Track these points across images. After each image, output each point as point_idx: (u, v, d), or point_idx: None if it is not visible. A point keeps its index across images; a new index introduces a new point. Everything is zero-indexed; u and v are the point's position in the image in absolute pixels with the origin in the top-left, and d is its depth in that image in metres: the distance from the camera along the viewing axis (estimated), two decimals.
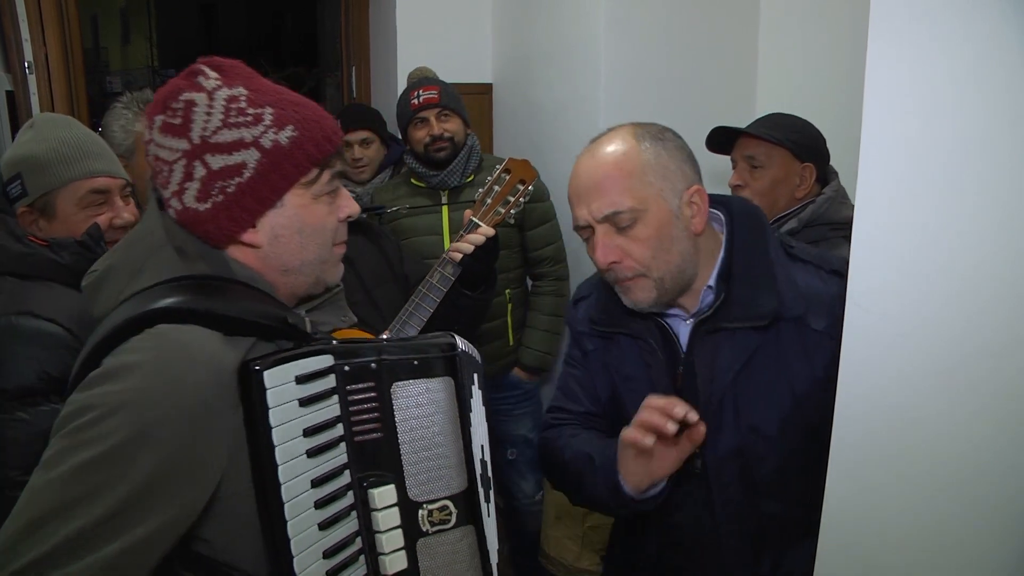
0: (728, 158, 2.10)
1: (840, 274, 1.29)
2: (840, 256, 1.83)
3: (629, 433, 1.21)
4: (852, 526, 1.04)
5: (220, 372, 0.93)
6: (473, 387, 1.14)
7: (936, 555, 0.95)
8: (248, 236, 1.03)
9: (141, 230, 1.06)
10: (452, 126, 2.46)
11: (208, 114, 0.99)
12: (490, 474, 1.16)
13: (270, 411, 0.93)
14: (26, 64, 2.90)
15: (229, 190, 1.00)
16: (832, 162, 2.06)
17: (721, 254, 1.33)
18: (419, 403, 1.05)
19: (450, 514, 1.06)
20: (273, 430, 0.94)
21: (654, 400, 1.19)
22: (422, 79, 2.64)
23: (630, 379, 1.41)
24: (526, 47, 3.07)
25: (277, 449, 0.94)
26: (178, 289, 0.97)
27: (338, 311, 1.19)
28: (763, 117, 2.07)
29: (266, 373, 0.94)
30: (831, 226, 1.91)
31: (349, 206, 1.11)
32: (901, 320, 0.94)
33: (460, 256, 1.77)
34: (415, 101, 2.46)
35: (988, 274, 0.85)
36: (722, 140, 2.06)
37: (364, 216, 1.92)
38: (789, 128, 1.98)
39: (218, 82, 1.01)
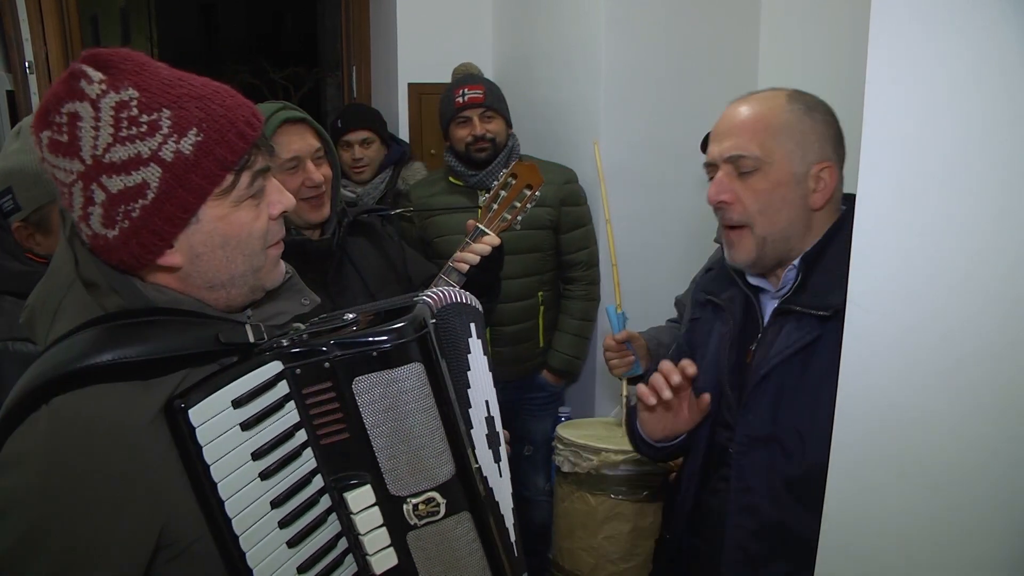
0: (702, 171, 2.12)
1: None
2: None
3: (640, 388, 1.35)
4: (852, 525, 1.04)
5: (127, 435, 0.84)
6: (471, 340, 1.06)
7: (936, 555, 0.95)
8: (165, 259, 0.92)
9: (55, 263, 0.96)
10: (495, 127, 2.46)
11: (96, 128, 0.86)
12: (498, 428, 1.09)
13: (203, 449, 0.86)
14: (27, 64, 2.90)
15: (134, 215, 0.88)
16: None
17: (818, 238, 1.34)
18: (386, 395, 0.95)
19: (438, 505, 0.99)
20: (211, 467, 0.87)
21: (663, 364, 1.30)
22: (467, 76, 2.63)
23: (703, 346, 1.45)
24: (526, 47, 3.07)
25: (219, 485, 0.88)
26: (91, 339, 0.87)
27: (295, 295, 1.08)
28: None
29: (192, 410, 0.86)
30: None
31: (281, 200, 0.99)
32: (901, 320, 0.94)
33: (466, 267, 1.75)
34: (459, 100, 2.45)
35: (988, 274, 0.85)
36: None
37: (366, 217, 1.90)
38: None
39: (103, 86, 0.87)
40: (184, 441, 0.86)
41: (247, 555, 0.90)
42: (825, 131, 1.33)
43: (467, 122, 2.45)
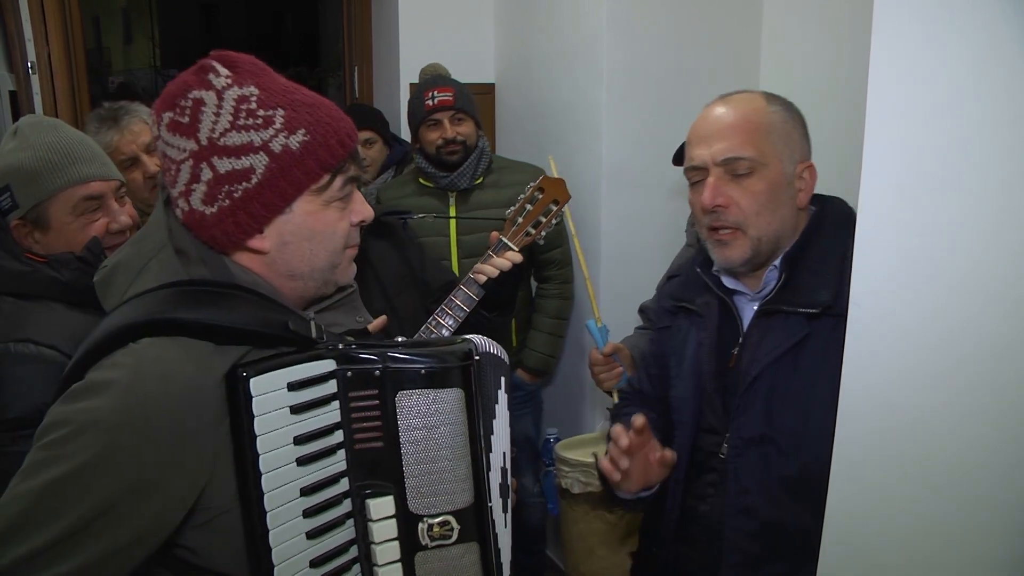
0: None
1: None
2: None
3: (604, 465, 1.36)
4: (854, 525, 1.04)
5: (200, 389, 0.91)
6: (499, 392, 1.11)
7: (937, 554, 0.95)
8: (255, 242, 1.00)
9: (148, 228, 1.04)
10: (465, 129, 2.45)
11: (217, 115, 0.96)
12: (509, 481, 1.13)
13: (255, 419, 0.91)
14: (29, 64, 2.91)
15: (236, 195, 0.97)
16: (834, 163, 2.06)
17: (796, 238, 1.35)
18: (424, 414, 1.00)
19: (451, 529, 1.02)
20: (258, 439, 0.91)
21: (613, 430, 1.32)
22: (436, 78, 2.62)
23: (680, 354, 1.44)
24: (528, 47, 3.07)
25: (261, 458, 0.92)
26: (172, 296, 0.94)
27: (352, 311, 1.16)
28: None
29: (253, 380, 0.91)
30: None
31: (363, 211, 1.08)
32: (902, 320, 0.94)
33: (485, 279, 1.74)
34: (429, 102, 2.44)
35: (988, 275, 0.85)
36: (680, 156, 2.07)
37: (388, 219, 1.89)
38: None
39: (229, 80, 0.97)
40: (239, 407, 0.91)
41: (270, 533, 0.93)
42: (802, 128, 1.35)
43: (437, 125, 2.44)
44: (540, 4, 2.93)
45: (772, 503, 1.30)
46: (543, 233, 1.81)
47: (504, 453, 1.12)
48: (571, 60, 2.73)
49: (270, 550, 0.93)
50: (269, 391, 0.93)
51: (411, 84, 3.31)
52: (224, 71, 0.98)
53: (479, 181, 2.50)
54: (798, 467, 1.28)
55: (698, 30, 2.60)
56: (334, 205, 1.03)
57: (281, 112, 0.97)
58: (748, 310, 1.38)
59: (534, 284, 2.74)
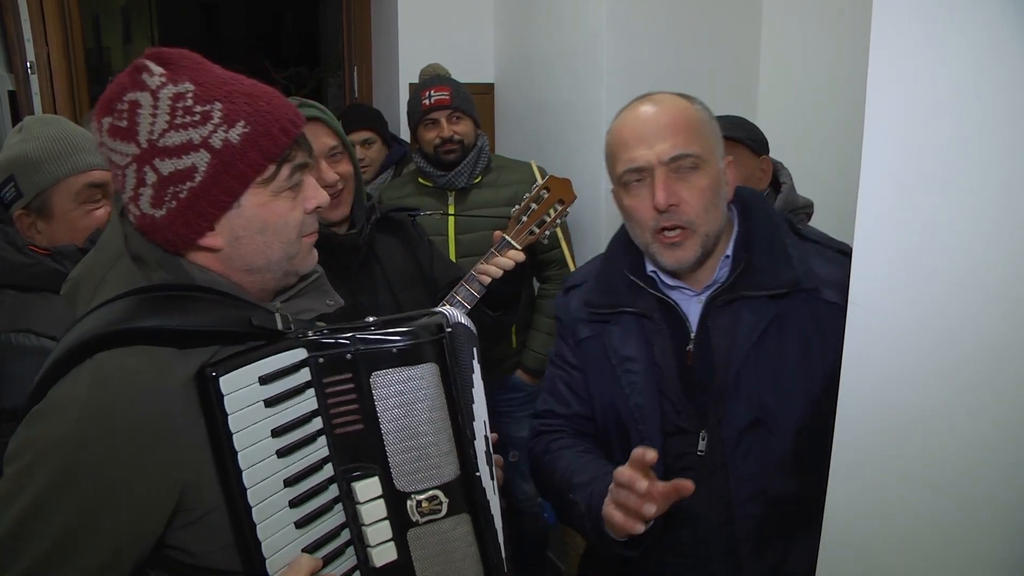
0: None
1: (845, 253, 1.32)
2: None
3: (621, 521, 1.18)
4: (854, 525, 1.04)
5: (163, 395, 0.90)
6: (473, 362, 1.10)
7: (937, 554, 0.95)
8: (207, 240, 0.99)
9: (105, 238, 1.03)
10: (463, 128, 2.45)
11: (153, 115, 0.94)
12: (491, 450, 1.13)
13: (229, 417, 0.91)
14: (28, 64, 2.91)
15: (182, 195, 0.95)
16: (834, 161, 2.08)
17: (736, 227, 1.36)
18: (401, 392, 1.00)
19: (440, 504, 1.03)
20: (234, 436, 0.91)
21: (622, 476, 1.17)
22: (434, 77, 2.62)
23: (629, 360, 1.38)
24: (528, 47, 3.07)
25: (240, 455, 0.92)
26: (132, 305, 0.94)
27: (321, 295, 1.14)
28: None
29: (222, 379, 0.91)
30: (793, 212, 2.00)
31: (316, 196, 1.06)
32: (902, 320, 0.94)
33: (488, 279, 1.74)
34: (426, 101, 2.44)
35: (988, 275, 0.85)
36: None
37: (397, 215, 1.89)
38: (739, 126, 2.02)
39: (163, 79, 0.95)
40: (212, 408, 0.91)
41: (258, 527, 0.94)
42: (717, 129, 1.36)
43: (435, 124, 2.44)
44: (540, 4, 2.93)
45: (775, 482, 1.30)
46: (547, 232, 1.81)
47: (484, 421, 1.11)
48: (571, 60, 2.73)
49: (260, 543, 0.94)
50: (240, 388, 0.92)
51: (411, 84, 3.31)
52: (158, 70, 0.96)
53: (477, 180, 2.50)
54: (790, 442, 1.29)
55: (698, 30, 2.60)
56: (284, 195, 1.01)
57: (219, 106, 0.95)
58: (693, 306, 1.36)
59: (535, 284, 2.74)
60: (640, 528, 1.17)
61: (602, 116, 2.57)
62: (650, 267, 1.39)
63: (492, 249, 1.78)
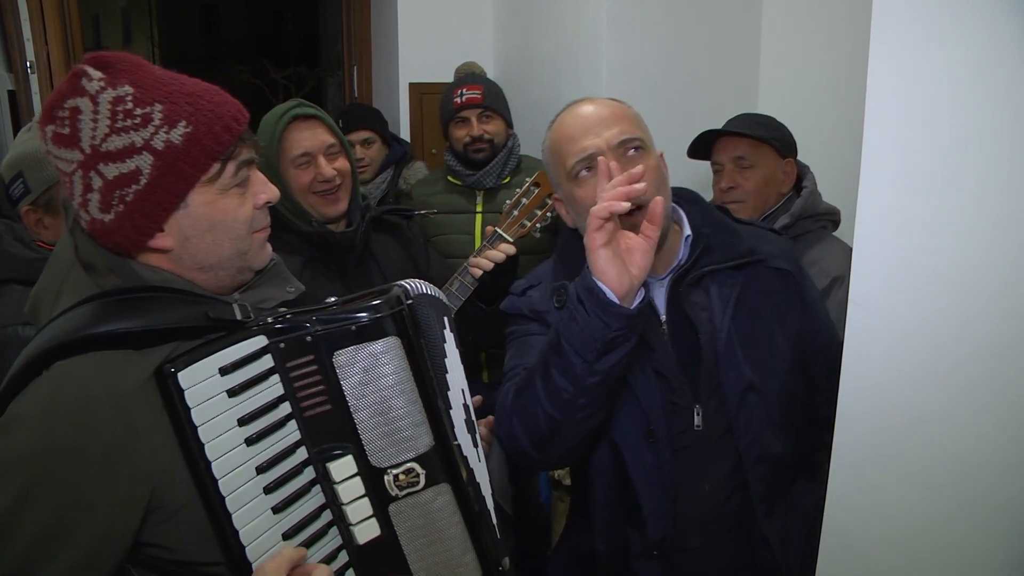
0: (699, 170, 2.10)
1: (775, 231, 1.56)
2: (831, 244, 1.91)
3: (599, 209, 1.15)
4: (854, 524, 1.04)
5: (122, 397, 0.91)
6: (445, 331, 1.10)
7: (937, 554, 0.95)
8: (157, 241, 0.99)
9: (57, 250, 1.04)
10: (493, 127, 2.44)
11: (94, 121, 0.94)
12: (473, 417, 1.13)
13: (192, 411, 0.92)
14: (28, 64, 2.91)
15: (128, 199, 0.96)
16: (834, 161, 2.07)
17: (686, 213, 1.41)
18: (365, 368, 1.00)
19: (418, 476, 1.03)
20: (199, 428, 0.92)
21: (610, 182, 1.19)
22: (468, 76, 2.61)
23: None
24: (528, 47, 3.07)
25: (207, 446, 0.92)
26: (86, 313, 0.94)
27: (281, 283, 1.14)
28: (737, 117, 2.07)
29: (181, 374, 0.91)
30: (814, 218, 1.96)
31: (265, 192, 1.06)
32: (902, 320, 0.94)
33: (480, 272, 1.76)
34: (458, 100, 2.44)
35: (988, 275, 0.85)
36: (700, 149, 2.07)
37: (392, 217, 1.91)
38: (767, 126, 2.00)
39: (102, 83, 0.96)
40: (174, 403, 0.91)
41: (233, 516, 0.94)
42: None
43: (465, 122, 2.44)
44: (539, 4, 2.93)
45: (771, 442, 1.34)
46: (538, 226, 1.82)
47: (463, 390, 1.11)
48: (571, 59, 2.73)
49: (237, 532, 0.94)
50: (201, 381, 0.93)
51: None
52: (97, 74, 0.96)
53: (506, 180, 2.50)
54: (777, 403, 1.35)
55: (698, 29, 2.59)
56: (232, 192, 1.02)
57: (159, 107, 0.95)
58: (656, 290, 1.38)
59: None
60: (625, 206, 1.14)
61: None
62: None
63: (484, 243, 1.80)
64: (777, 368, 1.36)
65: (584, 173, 1.33)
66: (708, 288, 1.37)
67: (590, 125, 1.34)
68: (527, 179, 1.85)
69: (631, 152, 1.32)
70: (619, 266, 1.18)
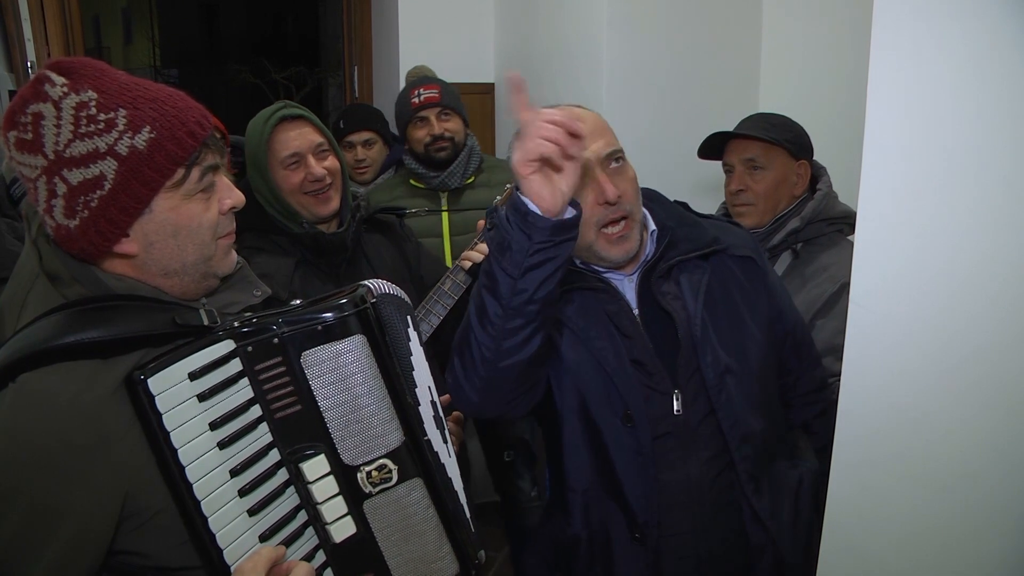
0: (707, 170, 2.09)
1: (736, 224, 1.63)
2: (844, 248, 1.87)
3: (531, 151, 1.13)
4: (854, 524, 1.04)
5: (88, 406, 0.91)
6: (408, 330, 1.11)
7: (938, 554, 0.95)
8: (121, 247, 0.99)
9: (21, 262, 1.04)
10: (453, 126, 2.45)
11: (57, 126, 0.94)
12: (442, 414, 1.15)
13: (163, 416, 0.92)
14: (29, 63, 2.91)
15: (92, 204, 0.95)
16: (834, 161, 2.06)
17: (649, 211, 1.46)
18: (333, 367, 1.01)
19: (390, 471, 1.04)
20: (171, 434, 0.92)
21: (548, 114, 1.15)
22: (422, 78, 2.62)
23: (592, 327, 1.40)
24: (528, 46, 3.07)
25: (180, 451, 0.93)
26: (51, 324, 0.94)
27: (247, 287, 1.15)
28: (750, 117, 2.05)
29: (150, 380, 0.91)
30: (827, 221, 1.92)
31: (231, 197, 1.06)
32: (903, 320, 0.94)
33: (470, 264, 1.76)
34: (415, 100, 2.44)
35: (989, 275, 0.85)
36: (711, 149, 2.06)
37: (383, 216, 1.90)
38: (781, 127, 1.98)
39: (65, 88, 0.95)
40: (144, 410, 0.91)
41: (209, 520, 0.95)
42: None
43: (425, 122, 2.44)
44: (540, 3, 2.94)
45: (751, 422, 1.38)
46: None
47: (429, 387, 1.12)
48: (572, 59, 2.73)
49: (214, 536, 0.95)
50: (170, 386, 0.93)
51: None
52: (59, 80, 0.96)
53: (470, 180, 2.50)
54: (752, 383, 1.39)
55: (698, 28, 2.60)
56: (196, 197, 1.01)
57: (123, 112, 0.95)
58: (626, 286, 1.43)
59: None
60: (551, 148, 1.12)
61: (602, 115, 2.57)
62: (579, 262, 1.43)
63: (476, 239, 1.79)
64: (751, 350, 1.41)
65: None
66: (678, 279, 1.41)
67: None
68: (496, 167, 1.85)
69: (613, 164, 1.37)
70: (550, 187, 1.15)
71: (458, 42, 3.28)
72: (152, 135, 0.96)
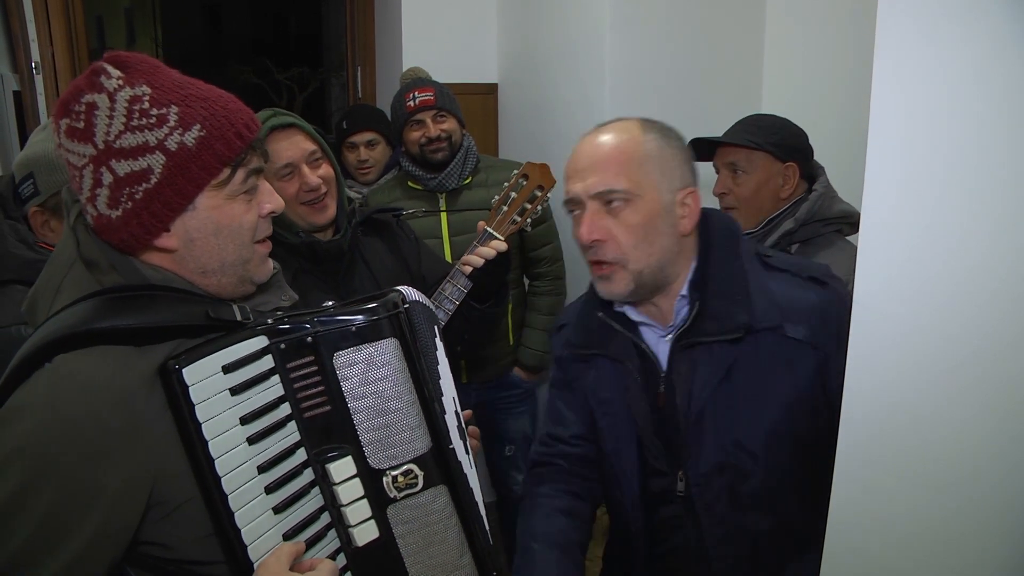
0: (710, 166, 2.09)
1: (818, 281, 1.31)
2: (841, 249, 1.86)
3: None
4: (858, 525, 1.04)
5: (123, 391, 0.92)
6: (436, 339, 1.11)
7: (942, 555, 0.95)
8: (162, 241, 1.00)
9: (58, 247, 1.05)
10: (449, 127, 2.45)
11: (110, 117, 0.96)
12: (463, 424, 1.15)
13: (196, 407, 0.92)
14: (33, 64, 2.91)
15: (137, 196, 0.97)
16: (837, 161, 2.06)
17: (694, 263, 1.33)
18: (365, 369, 1.01)
19: (416, 477, 1.03)
20: (203, 425, 0.93)
21: None
22: (416, 80, 2.63)
23: (606, 403, 1.39)
24: (531, 47, 3.07)
25: (210, 443, 0.93)
26: (88, 308, 0.95)
27: (277, 291, 1.16)
28: (741, 121, 2.05)
29: (185, 370, 0.92)
30: (824, 222, 1.91)
31: (271, 202, 1.08)
32: (907, 320, 0.94)
33: (471, 269, 1.75)
34: (411, 103, 2.45)
35: (993, 275, 0.85)
36: (703, 149, 2.06)
37: (380, 216, 1.89)
38: (768, 130, 1.97)
39: (120, 81, 0.97)
40: (177, 399, 0.92)
41: (236, 515, 0.94)
42: (681, 155, 1.31)
43: (421, 124, 2.44)
44: (543, 4, 2.94)
45: (753, 520, 1.29)
46: (529, 220, 1.80)
47: (453, 397, 1.12)
48: (574, 59, 2.73)
49: (239, 531, 0.95)
50: (204, 377, 0.94)
51: None
52: (116, 72, 0.97)
53: (467, 181, 2.50)
54: (761, 479, 1.27)
55: (701, 29, 2.60)
56: (239, 198, 1.03)
57: (175, 109, 0.97)
58: (662, 345, 1.34)
59: (526, 282, 2.74)
60: None
61: (605, 116, 2.55)
62: (617, 306, 1.38)
63: (475, 242, 1.78)
64: (764, 444, 1.27)
65: (575, 214, 1.32)
66: (697, 359, 1.29)
67: (580, 166, 1.30)
68: (514, 171, 1.83)
69: (612, 204, 1.26)
70: None
71: (461, 42, 3.28)
72: (202, 133, 0.97)
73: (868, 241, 0.98)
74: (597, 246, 1.27)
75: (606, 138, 1.30)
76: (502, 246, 1.76)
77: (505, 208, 1.78)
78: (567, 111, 2.81)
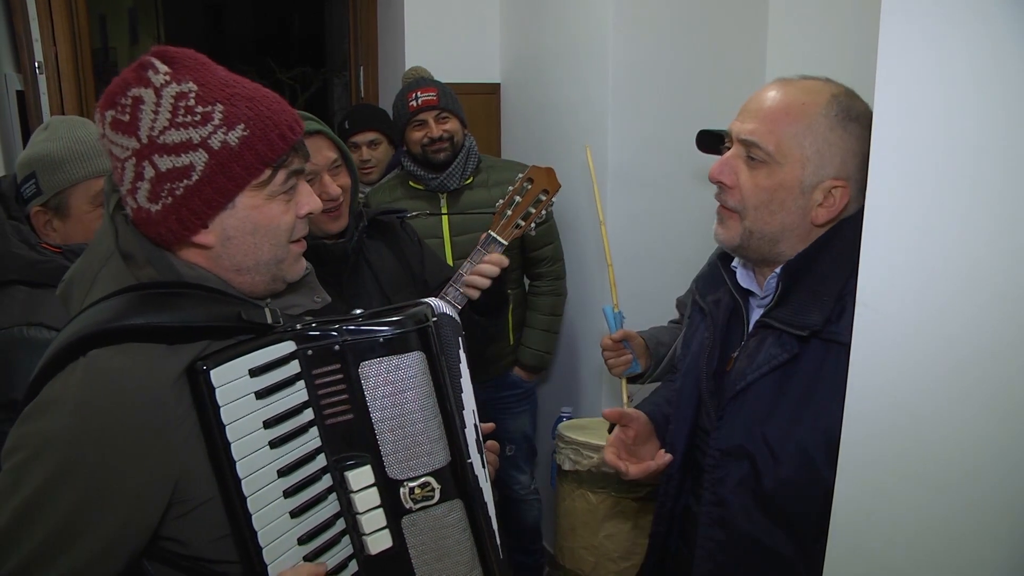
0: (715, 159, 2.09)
1: None
2: None
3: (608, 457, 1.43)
4: (860, 525, 1.04)
5: (153, 390, 0.92)
6: (460, 352, 1.11)
7: (944, 555, 0.95)
8: (199, 237, 1.01)
9: (97, 238, 1.06)
10: (451, 126, 2.46)
11: (155, 112, 0.96)
12: (481, 438, 1.15)
13: (221, 409, 0.93)
14: (36, 64, 2.92)
15: (177, 192, 0.97)
16: None
17: (801, 250, 1.26)
18: (390, 381, 1.02)
19: (433, 490, 1.04)
20: (227, 427, 0.93)
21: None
22: (419, 80, 2.63)
23: (687, 347, 1.44)
24: (534, 47, 3.07)
25: (233, 445, 0.94)
26: (121, 303, 0.96)
27: (309, 292, 1.17)
28: None
29: (213, 372, 0.93)
30: None
31: (309, 203, 1.08)
32: (910, 320, 0.94)
33: (477, 293, 1.75)
34: (413, 103, 2.45)
35: (996, 274, 0.85)
36: (710, 141, 2.06)
37: (385, 217, 1.90)
38: None
39: (167, 77, 0.97)
40: (204, 400, 0.93)
41: (253, 517, 0.95)
42: (855, 147, 1.22)
43: (423, 124, 2.45)
44: (546, 4, 2.94)
45: (746, 518, 1.27)
46: (533, 224, 1.79)
47: (473, 411, 1.13)
48: (577, 60, 2.73)
49: (256, 533, 0.95)
50: (231, 380, 0.94)
51: None
52: (163, 68, 0.98)
53: (469, 181, 2.51)
54: (773, 486, 1.23)
55: (704, 30, 2.59)
56: (279, 199, 1.04)
57: (220, 108, 0.97)
58: (756, 313, 1.34)
59: (526, 282, 2.75)
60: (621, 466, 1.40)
61: (607, 116, 2.57)
62: (735, 260, 1.39)
63: (479, 247, 1.78)
64: (788, 453, 1.21)
65: (728, 145, 1.29)
66: (767, 338, 1.25)
67: (750, 106, 1.28)
68: (519, 175, 1.82)
69: (753, 157, 1.22)
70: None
71: (464, 42, 3.28)
72: (245, 133, 0.98)
73: (871, 240, 0.98)
74: (722, 189, 1.27)
75: (787, 92, 1.26)
76: (503, 261, 1.76)
77: (509, 212, 1.78)
78: (570, 112, 2.81)
